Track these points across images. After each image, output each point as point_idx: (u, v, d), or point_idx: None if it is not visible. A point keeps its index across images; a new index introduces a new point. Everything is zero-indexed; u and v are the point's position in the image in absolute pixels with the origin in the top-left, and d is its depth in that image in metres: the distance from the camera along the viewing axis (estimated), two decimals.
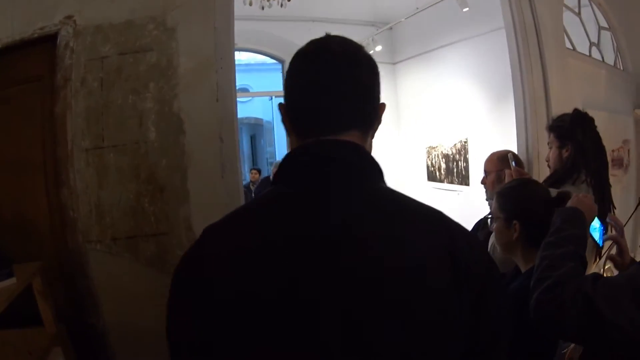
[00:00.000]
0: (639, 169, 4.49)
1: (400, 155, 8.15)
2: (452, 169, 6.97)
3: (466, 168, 6.71)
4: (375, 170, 0.92)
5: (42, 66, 2.24)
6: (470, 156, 6.63)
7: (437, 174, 7.29)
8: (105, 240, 2.21)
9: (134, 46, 2.19)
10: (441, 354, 0.77)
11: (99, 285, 2.22)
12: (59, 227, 2.23)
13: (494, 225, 1.82)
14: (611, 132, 4.14)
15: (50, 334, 2.02)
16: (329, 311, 0.75)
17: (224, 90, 2.25)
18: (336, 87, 0.90)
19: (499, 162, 2.73)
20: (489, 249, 2.20)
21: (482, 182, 2.85)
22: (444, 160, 7.13)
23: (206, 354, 0.79)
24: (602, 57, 4.47)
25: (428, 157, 7.47)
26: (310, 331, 0.75)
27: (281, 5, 5.30)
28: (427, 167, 7.50)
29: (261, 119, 13.81)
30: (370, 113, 0.96)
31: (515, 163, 2.54)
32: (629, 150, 4.38)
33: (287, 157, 0.92)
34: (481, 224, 2.95)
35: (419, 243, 0.81)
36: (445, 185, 7.15)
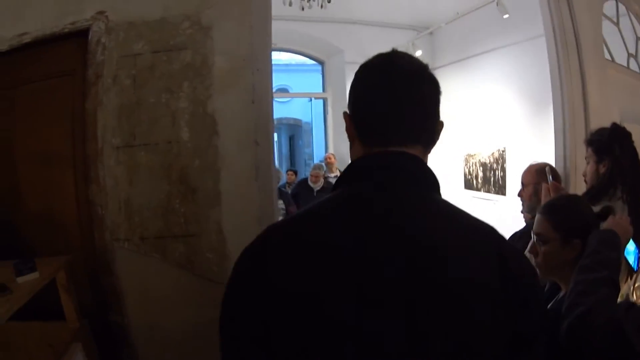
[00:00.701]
0: None
1: (438, 162, 7.96)
2: (489, 178, 6.77)
3: (503, 177, 6.49)
4: (436, 184, 0.95)
5: (73, 61, 2.22)
6: (507, 165, 6.42)
7: (475, 182, 7.09)
8: (133, 239, 2.18)
9: (167, 44, 2.14)
10: (489, 352, 0.80)
11: (125, 283, 2.19)
12: (87, 223, 2.21)
13: (542, 248, 1.64)
14: None
15: (72, 329, 2.00)
16: (394, 313, 0.77)
17: (260, 92, 2.17)
18: (406, 101, 0.93)
19: (537, 174, 2.64)
20: None
21: (519, 194, 2.76)
22: (481, 168, 6.92)
23: (263, 348, 0.80)
24: None
25: (466, 164, 7.27)
26: (373, 333, 0.77)
27: (321, 6, 5.24)
28: (465, 175, 7.30)
29: (300, 120, 13.77)
30: (433, 130, 1.01)
31: (552, 177, 2.44)
32: None
33: (355, 163, 0.95)
34: (516, 236, 2.85)
35: (476, 251, 0.85)
36: (481, 194, 6.95)
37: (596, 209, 1.88)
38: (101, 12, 2.17)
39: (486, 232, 0.91)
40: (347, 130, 1.00)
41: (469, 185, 7.25)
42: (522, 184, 2.74)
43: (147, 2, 2.18)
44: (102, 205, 2.16)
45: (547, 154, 5.60)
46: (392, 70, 0.95)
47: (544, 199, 2.28)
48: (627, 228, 1.64)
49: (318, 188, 6.70)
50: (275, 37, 7.64)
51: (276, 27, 6.61)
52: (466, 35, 6.70)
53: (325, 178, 6.95)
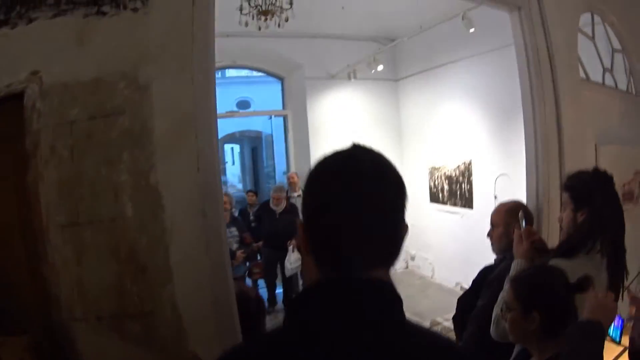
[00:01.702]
0: None
1: (402, 175, 7.92)
2: (455, 191, 6.75)
3: (470, 190, 6.48)
4: (400, 307, 0.90)
5: (12, 126, 2.02)
6: (473, 178, 6.41)
7: (440, 195, 7.07)
8: (89, 318, 2.02)
9: (104, 108, 1.96)
10: None
11: None
12: (43, 300, 2.05)
13: (507, 315, 1.71)
14: (622, 165, 3.89)
15: None
16: None
17: (206, 157, 2.02)
18: (372, 222, 0.86)
19: (507, 215, 2.55)
20: (492, 323, 2.07)
21: (489, 234, 2.66)
22: (447, 181, 6.90)
23: None
24: (616, 83, 4.21)
25: (431, 178, 7.24)
26: None
27: (279, 25, 5.12)
28: (430, 188, 7.27)
29: (261, 132, 13.64)
30: (399, 247, 0.92)
31: (525, 222, 2.33)
32: (639, 182, 4.15)
33: (311, 295, 0.88)
34: (487, 271, 2.75)
35: None
36: (448, 207, 6.93)
37: (575, 266, 1.89)
38: (35, 73, 1.98)
39: (447, 345, 0.95)
40: (301, 242, 0.91)
41: (434, 198, 7.22)
42: (492, 224, 2.64)
43: (81, 59, 1.99)
44: (55, 284, 2.00)
45: (512, 167, 5.65)
46: (354, 179, 0.86)
47: (516, 246, 2.24)
48: (611, 309, 1.59)
49: (280, 210, 6.55)
50: (234, 54, 7.44)
51: (235, 43, 6.44)
52: (430, 46, 6.64)
53: (288, 199, 6.81)
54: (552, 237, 2.94)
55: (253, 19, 4.80)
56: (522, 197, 5.42)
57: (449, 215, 6.90)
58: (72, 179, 1.95)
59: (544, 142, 3.11)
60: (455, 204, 6.78)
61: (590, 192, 2.13)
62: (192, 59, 2.06)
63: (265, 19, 4.93)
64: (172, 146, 1.99)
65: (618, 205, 2.18)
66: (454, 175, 6.75)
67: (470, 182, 6.46)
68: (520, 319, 1.64)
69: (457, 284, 6.84)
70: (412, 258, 7.86)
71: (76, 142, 1.95)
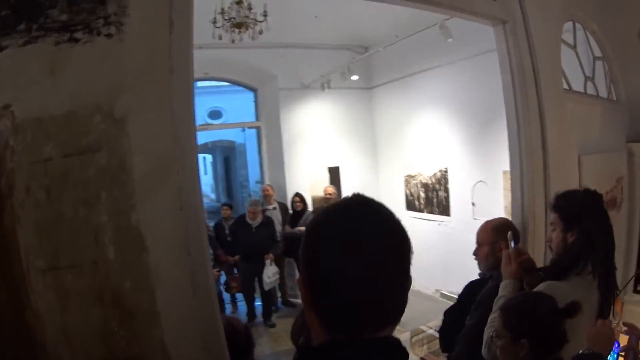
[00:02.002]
0: (632, 202, 4.30)
1: (378, 183, 7.92)
2: (431, 199, 6.75)
3: (446, 198, 6.49)
4: None
5: None
6: (450, 186, 6.42)
7: (417, 203, 7.06)
8: None
9: (79, 145, 1.83)
10: None
11: None
12: (29, 348, 1.91)
13: (497, 342, 1.78)
14: (605, 173, 3.93)
15: None
16: None
17: (188, 195, 1.92)
18: (385, 284, 0.85)
19: (493, 233, 2.53)
20: (484, 345, 2.06)
21: (475, 253, 2.66)
22: (423, 189, 6.90)
23: None
24: (597, 91, 4.24)
25: (407, 185, 7.23)
26: None
27: (252, 38, 5.04)
28: (406, 196, 7.26)
29: (234, 142, 13.48)
30: (406, 302, 0.90)
31: (514, 242, 2.30)
32: (622, 188, 4.19)
33: (327, 354, 0.85)
34: (474, 287, 2.75)
35: None
36: (425, 215, 6.92)
37: (567, 287, 1.94)
38: (6, 107, 1.83)
39: None
40: (303, 298, 0.89)
41: (411, 206, 7.21)
42: (477, 243, 2.61)
43: (54, 91, 1.86)
44: (40, 331, 1.87)
45: (489, 174, 5.69)
46: (366, 243, 0.84)
47: (505, 267, 2.21)
48: (610, 337, 1.70)
49: (257, 224, 6.46)
50: (206, 66, 7.27)
51: (207, 55, 6.31)
52: (404, 54, 6.59)
53: (264, 212, 6.72)
54: (537, 252, 2.97)
55: (227, 32, 4.70)
56: (499, 203, 5.55)
57: (426, 223, 6.89)
58: (50, 221, 1.82)
59: (529, 159, 3.07)
60: (432, 212, 6.78)
61: (581, 213, 2.12)
62: (171, 90, 1.94)
63: (239, 32, 4.86)
64: (153, 184, 1.88)
65: (608, 225, 2.17)
66: (430, 182, 6.75)
67: (447, 190, 6.47)
68: (510, 346, 1.69)
69: (436, 290, 6.85)
70: None
71: (52, 182, 1.82)
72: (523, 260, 2.23)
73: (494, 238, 2.50)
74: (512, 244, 2.27)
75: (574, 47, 3.96)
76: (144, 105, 1.91)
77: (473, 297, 2.65)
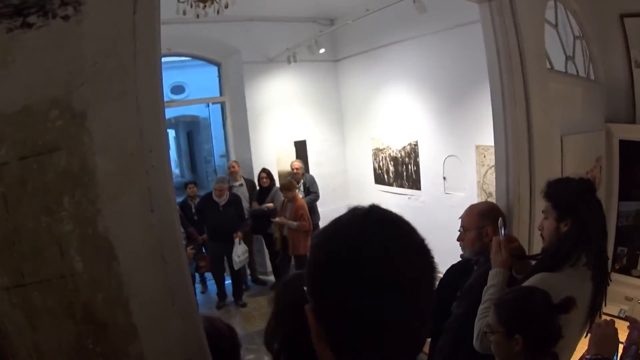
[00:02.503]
0: (609, 182, 4.33)
1: (345, 156, 7.79)
2: (401, 172, 6.67)
3: (417, 172, 6.42)
4: None
5: None
6: (420, 159, 6.35)
7: (386, 177, 6.97)
8: None
9: (36, 145, 1.60)
10: None
11: None
12: None
13: (491, 337, 1.76)
14: (585, 153, 3.91)
15: None
16: None
17: (160, 195, 1.72)
18: (414, 312, 0.76)
19: (479, 218, 2.46)
20: (475, 337, 2.04)
21: (460, 239, 2.56)
22: (392, 163, 6.81)
23: None
24: (577, 71, 4.18)
25: (375, 159, 7.13)
26: None
27: (217, 12, 4.75)
28: (375, 169, 7.16)
29: (198, 116, 13.03)
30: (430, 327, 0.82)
31: (504, 229, 2.23)
32: (600, 167, 4.20)
33: None
34: (457, 271, 2.70)
35: None
36: (394, 188, 6.85)
37: (560, 279, 1.91)
38: None
39: None
40: (313, 331, 0.80)
41: (379, 179, 7.11)
42: (463, 227, 2.53)
43: (6, 85, 1.61)
44: (11, 354, 1.68)
45: (460, 148, 5.62)
46: (391, 265, 0.74)
47: (494, 255, 2.16)
48: (614, 337, 1.69)
49: (224, 202, 6.25)
50: (169, 42, 6.88)
51: (170, 31, 5.97)
52: (372, 27, 6.35)
53: (230, 189, 6.52)
54: (522, 237, 2.91)
55: (191, 7, 4.40)
56: (472, 178, 5.51)
57: (395, 197, 6.82)
58: (10, 234, 1.59)
59: (514, 141, 2.99)
60: (401, 186, 6.71)
61: (575, 203, 2.05)
62: (136, 78, 1.72)
63: (204, 7, 4.57)
64: (119, 186, 1.67)
65: (602, 215, 2.11)
66: (399, 156, 6.66)
67: (417, 164, 6.39)
68: (504, 341, 1.68)
69: None
70: None
71: (9, 189, 1.59)
72: (513, 247, 2.18)
73: (481, 223, 2.43)
74: (503, 231, 2.21)
75: (555, 26, 3.89)
76: (105, 96, 1.69)
77: (455, 282, 2.59)
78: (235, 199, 6.39)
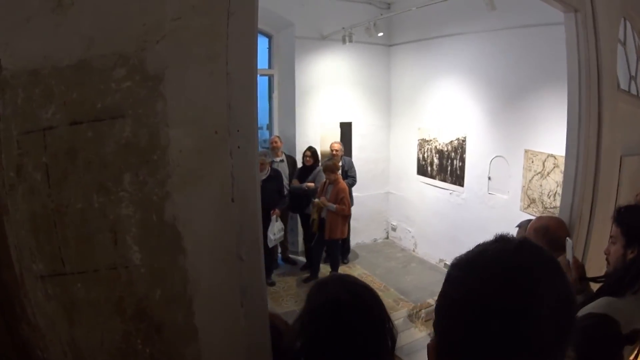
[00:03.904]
0: None
1: (389, 143, 7.37)
2: (445, 167, 6.24)
3: (462, 168, 5.99)
4: None
5: None
6: (467, 156, 5.91)
7: (429, 169, 6.55)
8: None
9: (93, 109, 1.26)
10: None
11: None
12: None
13: None
14: (637, 175, 3.62)
15: None
16: None
17: (244, 182, 1.38)
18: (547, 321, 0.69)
19: (535, 235, 2.38)
20: None
21: None
22: (437, 155, 6.38)
23: None
24: (638, 91, 3.81)
25: (420, 150, 6.70)
26: None
27: None
28: (418, 160, 6.74)
29: None
30: None
31: (572, 249, 2.15)
32: None
33: None
34: None
35: None
36: (436, 182, 6.43)
37: (625, 305, 1.81)
38: None
39: None
40: None
41: (422, 171, 6.70)
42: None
43: (59, 33, 1.27)
44: (41, 349, 1.39)
45: (508, 150, 5.21)
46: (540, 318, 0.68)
47: None
48: None
49: (264, 177, 5.85)
50: None
51: None
52: (432, 15, 5.95)
53: (271, 164, 6.18)
54: (578, 255, 2.74)
55: None
56: (517, 181, 5.10)
57: (436, 190, 6.43)
58: (51, 214, 1.27)
59: (585, 159, 2.81)
60: (444, 180, 6.30)
61: None
62: (227, 41, 1.36)
63: None
64: (197, 168, 1.33)
65: None
66: (445, 150, 6.22)
67: (463, 160, 5.96)
68: None
69: (440, 260, 6.47)
70: (394, 229, 7.42)
71: (54, 160, 1.25)
72: (578, 267, 2.15)
73: (536, 240, 2.23)
74: (572, 253, 2.13)
75: (623, 43, 3.56)
76: (188, 58, 1.34)
77: None
78: (276, 175, 6.04)
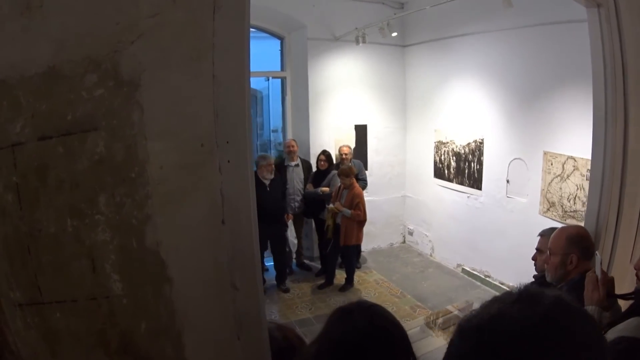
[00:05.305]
0: None
1: (405, 145, 7.15)
2: (463, 169, 6.00)
3: (479, 171, 5.75)
4: None
5: None
6: (484, 158, 5.67)
7: (446, 172, 6.31)
8: None
9: (63, 121, 1.11)
10: None
11: None
12: None
13: None
14: None
15: None
16: None
17: (236, 201, 1.22)
18: None
19: (567, 243, 2.21)
20: None
21: (545, 261, 2.32)
22: (454, 158, 6.14)
23: None
24: None
25: (437, 152, 6.47)
26: None
27: None
28: (435, 163, 6.51)
29: (254, 89, 12.52)
30: None
31: (600, 264, 1.97)
32: None
33: None
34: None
35: None
36: (454, 185, 6.20)
37: None
38: None
39: None
40: None
41: (439, 174, 6.46)
42: (549, 249, 2.26)
43: (26, 38, 1.12)
44: None
45: (527, 152, 4.99)
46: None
47: (590, 293, 1.92)
48: None
49: (269, 181, 5.58)
50: None
51: None
52: (447, 14, 5.72)
53: (286, 168, 6.03)
54: (604, 264, 2.48)
55: None
56: (536, 184, 4.87)
57: (454, 194, 6.19)
58: (24, 238, 1.13)
59: (612, 161, 2.60)
60: (461, 183, 6.05)
61: None
62: (213, 39, 1.20)
63: None
64: (181, 185, 1.18)
65: None
66: (462, 152, 5.99)
67: (480, 162, 5.72)
68: None
69: (458, 265, 6.23)
70: (410, 233, 7.19)
71: (23, 179, 1.11)
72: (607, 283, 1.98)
73: (567, 249, 2.19)
74: (600, 267, 1.97)
75: None
76: (168, 59, 1.18)
77: None
78: (278, 176, 5.81)
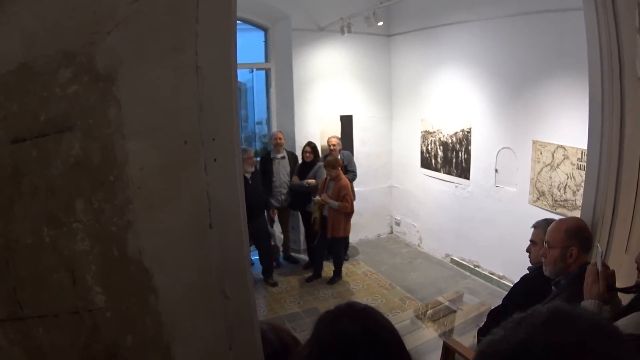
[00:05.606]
0: None
1: (391, 135, 7.10)
2: (450, 159, 5.98)
3: (467, 160, 5.73)
4: None
5: None
6: (472, 148, 5.65)
7: (433, 161, 6.28)
8: None
9: (36, 122, 1.02)
10: None
11: None
12: None
13: None
14: None
15: None
16: None
17: (224, 203, 1.14)
18: None
19: (566, 236, 2.18)
20: None
21: (543, 254, 2.27)
22: (441, 148, 6.11)
23: None
24: None
25: (423, 142, 6.43)
26: None
27: None
28: (422, 152, 6.47)
29: (240, 82, 12.36)
30: None
31: (602, 256, 1.94)
32: None
33: None
34: (527, 288, 2.53)
35: None
36: (441, 175, 6.17)
37: None
38: None
39: None
40: None
41: (426, 164, 6.42)
42: (547, 243, 2.23)
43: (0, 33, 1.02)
44: None
45: (515, 141, 4.97)
46: None
47: (591, 285, 1.88)
48: None
49: (250, 175, 5.42)
50: None
51: None
52: (434, 4, 5.68)
53: (272, 161, 5.96)
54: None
55: None
56: (525, 174, 4.86)
57: (441, 184, 6.16)
58: (1, 250, 1.04)
59: (609, 152, 2.56)
60: (449, 173, 6.03)
61: None
62: (197, 27, 1.12)
63: None
64: (163, 188, 1.09)
65: None
66: (450, 142, 5.95)
67: (468, 152, 5.69)
68: None
69: (446, 255, 6.23)
70: (397, 223, 7.17)
71: None
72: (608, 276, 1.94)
73: (567, 242, 2.17)
74: (600, 259, 1.93)
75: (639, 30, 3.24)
76: (147, 50, 1.09)
77: (527, 300, 2.14)
78: (257, 168, 5.69)
